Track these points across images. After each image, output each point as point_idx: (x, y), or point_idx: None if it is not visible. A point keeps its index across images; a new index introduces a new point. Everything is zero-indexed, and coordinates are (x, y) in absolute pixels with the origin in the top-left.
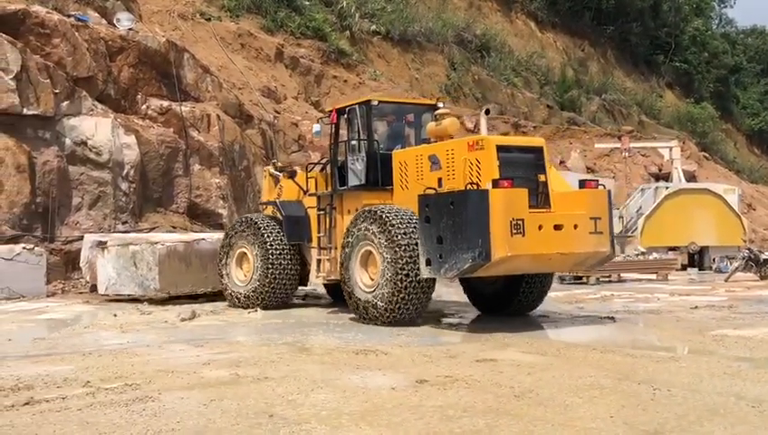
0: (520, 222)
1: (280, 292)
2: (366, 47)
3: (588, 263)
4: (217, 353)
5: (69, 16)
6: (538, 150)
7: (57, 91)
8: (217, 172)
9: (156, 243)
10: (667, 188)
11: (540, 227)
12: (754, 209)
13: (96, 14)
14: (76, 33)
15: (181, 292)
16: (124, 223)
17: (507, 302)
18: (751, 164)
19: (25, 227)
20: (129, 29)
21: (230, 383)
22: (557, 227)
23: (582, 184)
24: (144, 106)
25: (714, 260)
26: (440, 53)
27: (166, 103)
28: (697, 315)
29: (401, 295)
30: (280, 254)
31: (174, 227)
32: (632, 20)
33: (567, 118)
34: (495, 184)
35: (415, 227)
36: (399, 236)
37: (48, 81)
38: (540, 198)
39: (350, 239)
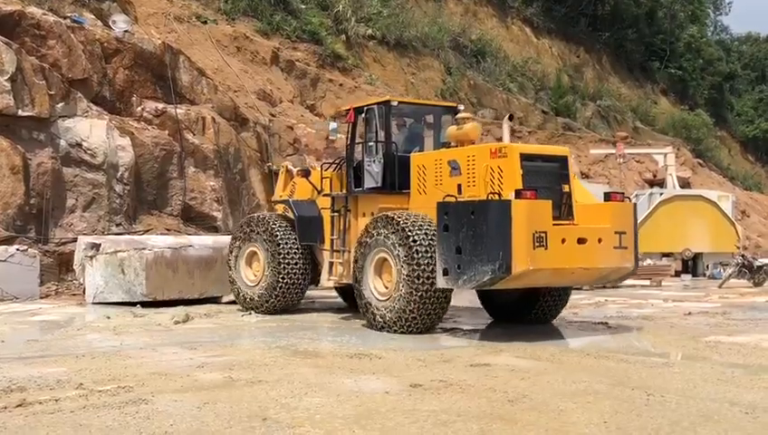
0: (543, 235)
1: (291, 293)
2: (362, 51)
3: (610, 278)
4: (211, 356)
5: (65, 18)
6: (562, 160)
7: (52, 92)
8: (212, 175)
9: (143, 249)
10: (661, 194)
11: (563, 241)
12: (748, 216)
13: (92, 16)
14: (72, 35)
15: (168, 297)
16: (118, 225)
17: (525, 311)
18: (745, 171)
19: (19, 228)
20: (125, 31)
21: (224, 386)
22: (581, 241)
23: (608, 196)
24: (139, 108)
25: (707, 267)
26: (436, 58)
27: (161, 106)
28: (691, 322)
29: (416, 305)
30: (291, 254)
31: (168, 230)
32: (627, 26)
33: (562, 123)
34: (518, 194)
35: (433, 236)
36: (417, 245)
37: (43, 82)
38: (563, 209)
39: (364, 244)
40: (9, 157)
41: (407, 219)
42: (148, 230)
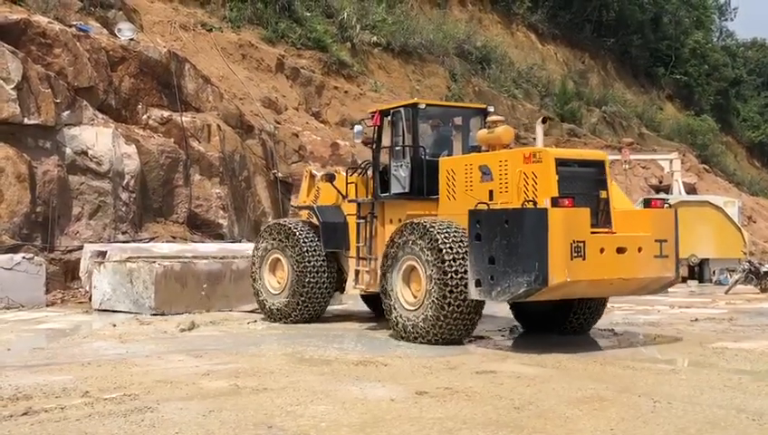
0: (581, 244)
1: (316, 302)
2: (367, 58)
3: (650, 288)
4: (217, 364)
5: (70, 26)
6: (599, 164)
7: (58, 100)
8: (218, 182)
9: (153, 262)
10: (667, 200)
11: (602, 250)
12: (755, 222)
13: (97, 25)
14: (77, 44)
15: (176, 312)
16: (124, 233)
17: (559, 322)
18: (751, 176)
19: (25, 236)
20: (131, 39)
21: (229, 394)
22: (620, 250)
23: (648, 203)
24: (145, 116)
25: (714, 272)
26: (441, 65)
27: (166, 113)
28: (697, 328)
29: (447, 316)
30: (316, 262)
31: (174, 238)
32: (632, 32)
33: (567, 129)
34: (555, 202)
35: (465, 245)
36: (448, 254)
37: (49, 90)
38: (601, 216)
39: (392, 252)
40: (15, 165)
41: (437, 227)
42: (153, 238)
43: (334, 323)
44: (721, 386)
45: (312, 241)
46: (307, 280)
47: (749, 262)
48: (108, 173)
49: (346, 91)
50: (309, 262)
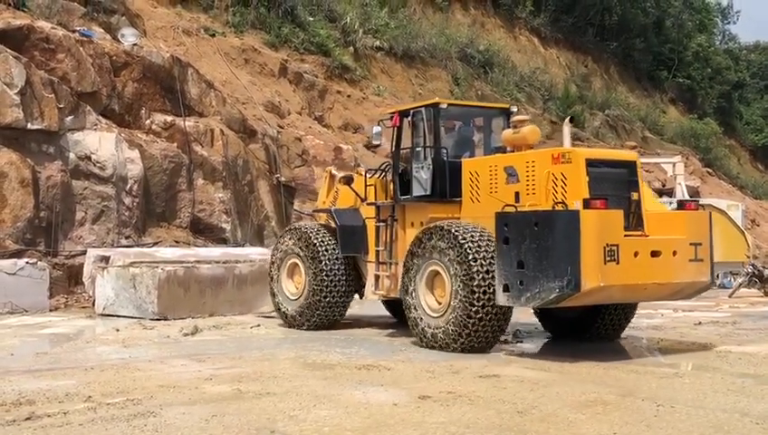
0: (614, 248)
1: (332, 308)
2: (369, 63)
3: (684, 293)
4: (220, 369)
5: (73, 32)
6: (631, 165)
7: (61, 105)
8: (221, 187)
9: (156, 267)
10: (670, 203)
11: (636, 254)
12: (758, 225)
13: (101, 30)
14: (81, 49)
15: (179, 317)
16: (127, 237)
17: (588, 328)
18: (754, 180)
19: (29, 241)
20: (134, 44)
21: (232, 399)
22: (654, 254)
23: (682, 205)
24: (148, 121)
25: (717, 276)
26: (444, 69)
27: (170, 118)
28: (701, 331)
29: (473, 323)
30: (333, 267)
31: (177, 242)
32: (635, 36)
33: (570, 133)
34: (587, 204)
35: (492, 249)
36: (475, 259)
37: (52, 95)
38: (632, 219)
39: (415, 257)
40: (18, 170)
41: (463, 230)
42: (157, 242)
43: (342, 328)
44: (724, 390)
45: (329, 245)
46: (324, 285)
47: (752, 265)
48: (111, 178)
49: (349, 96)
50: (326, 267)
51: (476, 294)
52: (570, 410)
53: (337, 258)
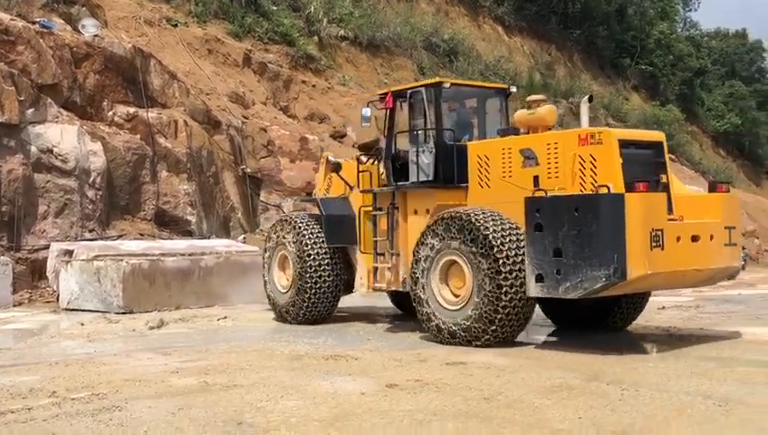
0: (659, 233)
1: (321, 301)
2: (334, 52)
3: (716, 279)
4: (186, 361)
5: (33, 23)
6: (658, 146)
7: (22, 98)
8: (185, 179)
9: (121, 260)
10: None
11: (678, 239)
12: None
13: (61, 21)
14: (41, 40)
15: (144, 310)
16: (91, 231)
17: (600, 319)
18: (716, 165)
19: None
20: (95, 35)
21: (199, 391)
22: (694, 239)
23: (714, 187)
24: (110, 113)
25: None
26: (409, 58)
27: (132, 110)
28: (665, 315)
29: (500, 319)
30: (321, 258)
31: (142, 235)
32: (598, 24)
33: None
34: (631, 187)
35: (517, 236)
36: (500, 250)
37: (13, 88)
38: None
39: (428, 247)
40: None
41: (484, 219)
42: (121, 235)
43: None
44: (688, 373)
45: (316, 236)
46: (309, 277)
47: None
48: (74, 171)
49: (314, 85)
50: (313, 259)
51: (504, 289)
52: (535, 395)
53: (325, 249)
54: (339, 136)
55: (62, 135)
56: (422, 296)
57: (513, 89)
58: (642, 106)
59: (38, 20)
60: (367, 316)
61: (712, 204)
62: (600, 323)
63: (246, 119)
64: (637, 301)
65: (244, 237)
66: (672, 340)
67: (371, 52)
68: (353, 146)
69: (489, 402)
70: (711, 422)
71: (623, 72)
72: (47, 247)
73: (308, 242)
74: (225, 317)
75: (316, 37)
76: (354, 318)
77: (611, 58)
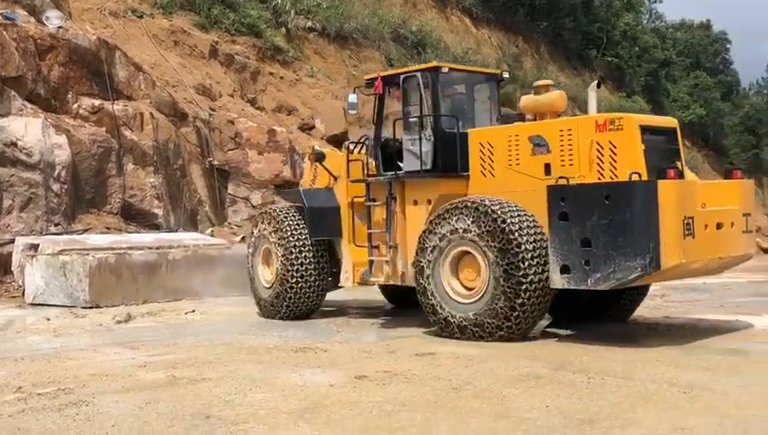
0: (690, 221)
1: (305, 296)
2: (302, 44)
3: (728, 266)
4: (153, 355)
5: None
6: (672, 132)
7: None
8: (152, 172)
9: (86, 254)
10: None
11: (705, 227)
12: None
13: (24, 13)
14: (4, 33)
15: (111, 304)
16: (57, 225)
17: (601, 310)
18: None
19: None
20: (59, 27)
21: (166, 385)
22: (719, 226)
23: (729, 173)
24: (75, 105)
25: None
26: (377, 50)
27: (98, 102)
28: None
29: (518, 315)
30: (305, 252)
31: (108, 229)
32: (565, 15)
33: (502, 113)
34: (661, 174)
35: (534, 225)
36: (519, 244)
37: None
38: None
39: (438, 237)
40: None
41: (500, 210)
42: (87, 229)
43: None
44: (653, 361)
45: (299, 229)
46: (293, 271)
47: None
48: (38, 164)
49: (282, 77)
50: (296, 253)
51: (524, 285)
52: (503, 384)
53: (309, 242)
54: (307, 128)
55: (26, 128)
56: (427, 288)
57: (506, 75)
58: (608, 98)
59: (1, 12)
60: (342, 311)
61: (731, 191)
62: (600, 316)
63: (213, 111)
64: (637, 291)
65: (212, 231)
66: (638, 328)
67: (339, 43)
68: (322, 138)
69: (457, 392)
70: (676, 409)
71: (590, 63)
72: (12, 242)
73: (290, 235)
74: (194, 311)
75: (283, 29)
76: (334, 314)
77: (578, 50)
